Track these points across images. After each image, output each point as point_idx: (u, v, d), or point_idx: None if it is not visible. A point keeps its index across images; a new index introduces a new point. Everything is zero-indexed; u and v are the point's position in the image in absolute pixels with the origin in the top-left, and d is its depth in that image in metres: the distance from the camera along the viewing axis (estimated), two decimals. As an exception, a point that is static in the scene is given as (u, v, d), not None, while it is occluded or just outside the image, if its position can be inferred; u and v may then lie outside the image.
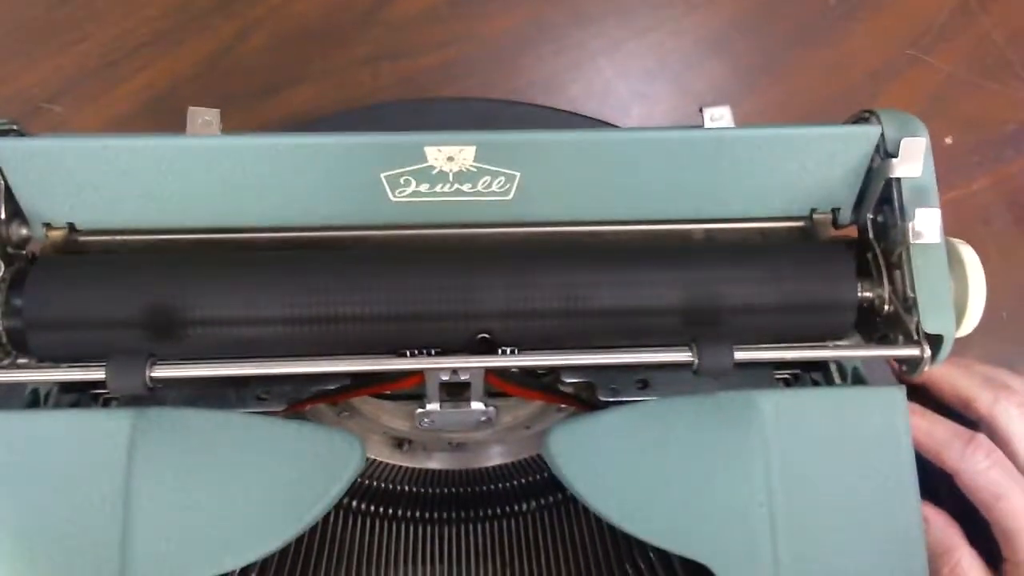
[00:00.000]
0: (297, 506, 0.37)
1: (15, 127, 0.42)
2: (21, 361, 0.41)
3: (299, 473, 0.38)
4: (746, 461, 0.39)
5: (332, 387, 0.44)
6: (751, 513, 0.38)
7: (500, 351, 0.42)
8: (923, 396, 0.45)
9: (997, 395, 0.43)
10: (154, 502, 0.37)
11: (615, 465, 0.39)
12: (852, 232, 0.47)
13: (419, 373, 0.42)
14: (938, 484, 0.43)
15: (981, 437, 0.42)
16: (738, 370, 0.40)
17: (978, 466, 0.41)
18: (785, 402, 0.40)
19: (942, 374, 0.45)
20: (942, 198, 0.43)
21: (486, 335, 0.42)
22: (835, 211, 0.46)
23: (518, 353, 0.41)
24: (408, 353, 0.42)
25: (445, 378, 0.42)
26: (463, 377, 0.42)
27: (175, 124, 0.41)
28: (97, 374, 0.37)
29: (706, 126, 0.45)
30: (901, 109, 0.44)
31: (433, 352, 0.42)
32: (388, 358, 0.41)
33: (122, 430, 0.37)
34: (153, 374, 0.37)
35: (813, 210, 0.46)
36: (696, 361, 0.39)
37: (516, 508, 0.48)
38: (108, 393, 0.43)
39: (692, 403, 0.40)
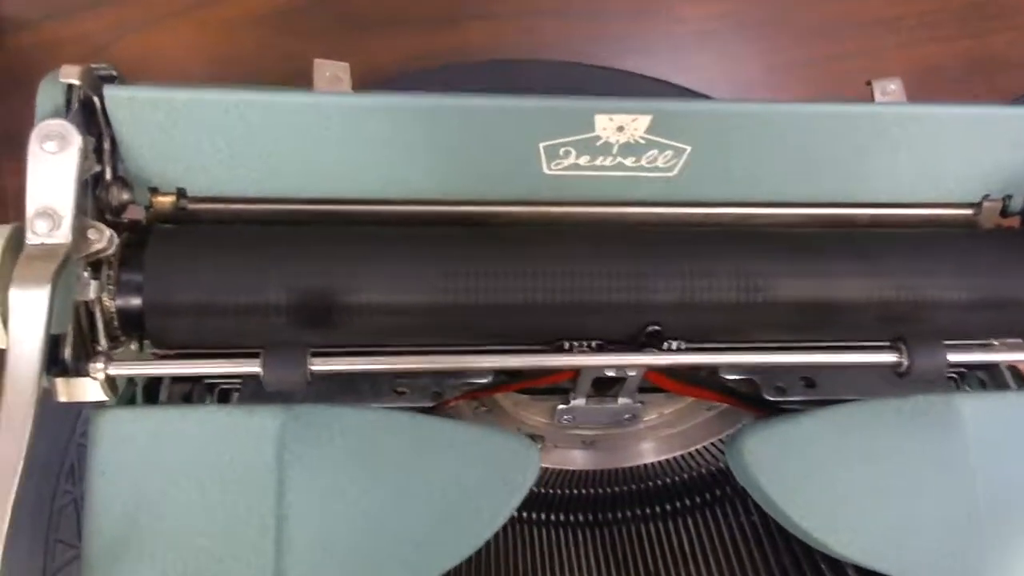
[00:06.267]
0: (473, 519, 0.33)
1: (114, 73, 0.36)
2: (133, 347, 0.35)
3: (474, 481, 0.33)
4: (952, 471, 0.36)
5: (481, 381, 0.39)
6: (958, 527, 0.35)
7: (666, 346, 0.37)
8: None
9: None
10: (310, 511, 0.32)
11: (816, 476, 0.35)
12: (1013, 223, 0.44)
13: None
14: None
15: None
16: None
17: None
18: (985, 406, 0.37)
19: None
20: None
21: (656, 326, 0.37)
22: (1007, 199, 0.43)
23: (697, 351, 0.37)
24: (569, 346, 0.37)
25: (611, 374, 0.37)
26: (630, 374, 0.38)
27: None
28: (249, 367, 0.32)
29: (876, 100, 0.41)
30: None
31: (594, 345, 0.37)
32: (551, 354, 0.36)
33: (271, 431, 0.32)
34: (313, 367, 0.32)
35: (985, 196, 0.43)
36: (906, 363, 0.36)
37: (660, 509, 0.44)
38: (223, 383, 0.38)
39: (890, 408, 0.36)
